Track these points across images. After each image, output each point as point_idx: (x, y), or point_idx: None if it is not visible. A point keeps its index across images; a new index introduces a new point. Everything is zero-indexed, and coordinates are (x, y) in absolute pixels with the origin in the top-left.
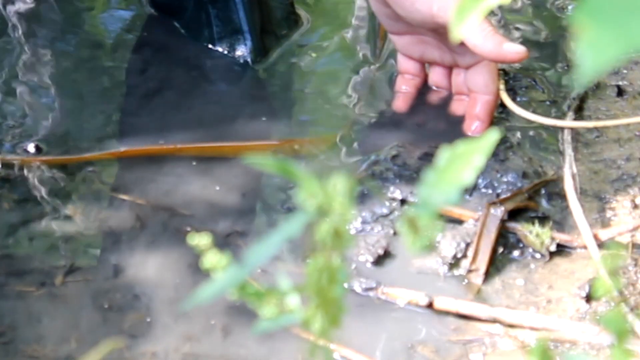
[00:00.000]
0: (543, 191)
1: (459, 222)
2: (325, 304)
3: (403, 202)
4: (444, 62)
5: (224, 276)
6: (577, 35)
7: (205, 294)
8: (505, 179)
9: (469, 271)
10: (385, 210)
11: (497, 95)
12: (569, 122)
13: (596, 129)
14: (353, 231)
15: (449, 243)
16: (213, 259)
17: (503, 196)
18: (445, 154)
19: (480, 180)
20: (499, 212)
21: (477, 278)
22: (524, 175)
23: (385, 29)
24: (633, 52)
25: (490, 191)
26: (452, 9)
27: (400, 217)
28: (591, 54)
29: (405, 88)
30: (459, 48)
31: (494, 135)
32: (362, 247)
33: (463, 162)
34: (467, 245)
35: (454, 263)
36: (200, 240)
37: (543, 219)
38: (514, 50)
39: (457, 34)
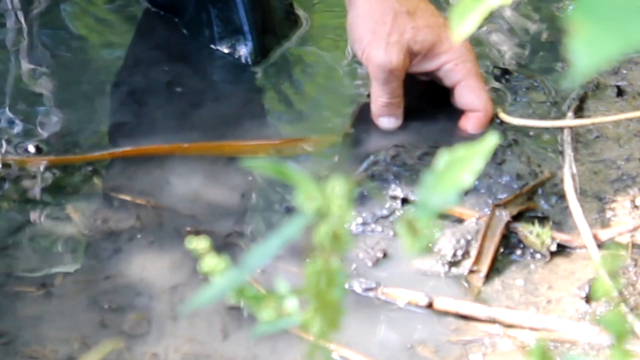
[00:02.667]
0: (543, 191)
1: (458, 220)
2: (324, 307)
3: (404, 201)
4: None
5: (222, 279)
6: (573, 34)
7: (204, 297)
8: (504, 180)
9: (470, 272)
10: (385, 212)
11: (487, 109)
12: (564, 122)
13: (596, 129)
14: (353, 232)
15: (448, 241)
16: (211, 262)
17: (501, 196)
18: (444, 157)
19: (478, 180)
20: (503, 214)
21: (478, 280)
22: (523, 175)
23: None
24: (629, 51)
25: (489, 191)
26: (371, 67)
27: (400, 217)
28: (586, 52)
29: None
30: (437, 73)
31: (493, 139)
32: (361, 249)
33: (462, 165)
34: (467, 243)
35: (454, 262)
36: (198, 243)
37: (543, 219)
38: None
39: (458, 34)
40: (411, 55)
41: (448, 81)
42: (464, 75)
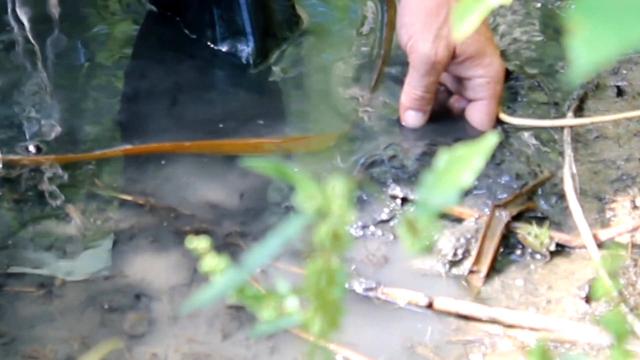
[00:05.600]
0: (543, 191)
1: (458, 220)
2: (325, 306)
3: (404, 201)
4: (452, 87)
5: (222, 279)
6: (572, 33)
7: (204, 297)
8: (503, 180)
9: (470, 272)
10: (385, 216)
11: (486, 131)
12: (564, 121)
13: (596, 129)
14: (354, 236)
15: (448, 241)
16: (212, 261)
17: (501, 196)
18: (444, 157)
19: (477, 181)
20: (503, 215)
21: (478, 280)
22: (523, 175)
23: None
24: (629, 51)
25: (488, 191)
26: (414, 56)
27: (400, 219)
28: (585, 51)
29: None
30: (466, 81)
31: (492, 138)
32: (363, 255)
33: (462, 164)
34: (467, 243)
35: (454, 262)
36: (198, 243)
37: (541, 220)
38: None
39: (459, 33)
40: (452, 55)
41: (472, 94)
42: (490, 95)
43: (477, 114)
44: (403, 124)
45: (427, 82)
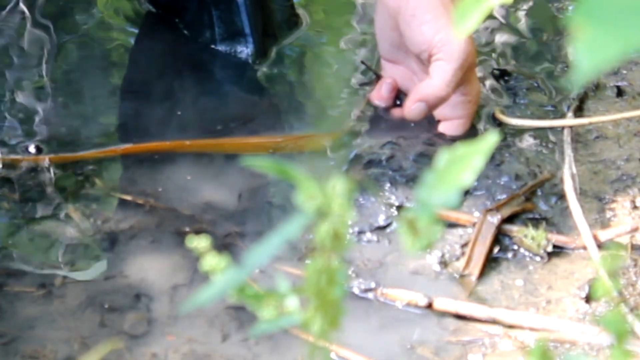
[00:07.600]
0: (542, 192)
1: (455, 225)
2: (325, 306)
3: (400, 208)
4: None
5: (223, 278)
6: (574, 36)
7: (205, 296)
8: (502, 180)
9: (461, 276)
10: (382, 222)
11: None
12: (564, 122)
13: (595, 129)
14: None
15: (448, 245)
16: (212, 261)
17: (500, 197)
18: (444, 156)
19: (477, 182)
20: (495, 219)
21: (470, 283)
22: (522, 176)
23: (380, 55)
24: (631, 53)
25: (488, 192)
26: (448, 47)
27: (399, 224)
28: (588, 54)
29: (379, 103)
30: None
31: (493, 138)
32: (358, 260)
33: (463, 164)
34: (459, 248)
35: (450, 264)
36: (199, 242)
37: (539, 221)
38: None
39: (460, 33)
40: None
41: (449, 111)
42: (469, 115)
43: (449, 130)
44: (406, 114)
45: (459, 77)
